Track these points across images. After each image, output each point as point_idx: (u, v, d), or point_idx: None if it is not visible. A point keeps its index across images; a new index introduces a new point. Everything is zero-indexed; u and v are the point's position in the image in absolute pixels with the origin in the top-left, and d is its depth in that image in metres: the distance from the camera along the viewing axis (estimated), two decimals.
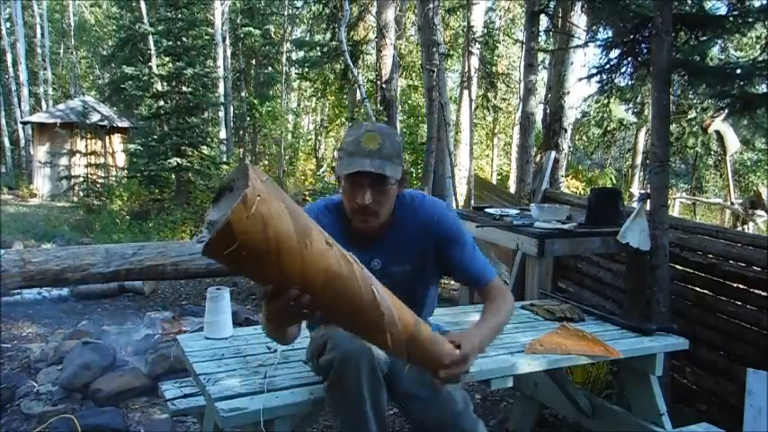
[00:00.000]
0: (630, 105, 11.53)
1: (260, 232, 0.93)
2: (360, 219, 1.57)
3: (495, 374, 1.88)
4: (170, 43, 10.93)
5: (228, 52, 16.24)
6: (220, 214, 0.95)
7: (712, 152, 11.44)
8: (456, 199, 7.45)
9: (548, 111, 6.33)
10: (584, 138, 15.73)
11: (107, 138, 14.01)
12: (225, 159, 13.14)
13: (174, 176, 10.97)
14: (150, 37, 12.90)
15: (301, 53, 15.33)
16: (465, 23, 10.68)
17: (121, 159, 14.45)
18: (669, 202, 3.95)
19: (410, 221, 1.68)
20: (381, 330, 1.17)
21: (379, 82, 10.55)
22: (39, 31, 19.81)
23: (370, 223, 1.58)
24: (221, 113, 15.14)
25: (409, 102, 12.98)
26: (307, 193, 11.82)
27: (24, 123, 17.23)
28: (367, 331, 1.20)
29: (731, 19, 3.39)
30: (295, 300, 1.08)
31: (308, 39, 16.29)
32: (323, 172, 14.84)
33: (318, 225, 1.44)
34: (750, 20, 3.31)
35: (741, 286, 2.97)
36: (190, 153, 10.80)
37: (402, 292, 1.47)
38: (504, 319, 1.64)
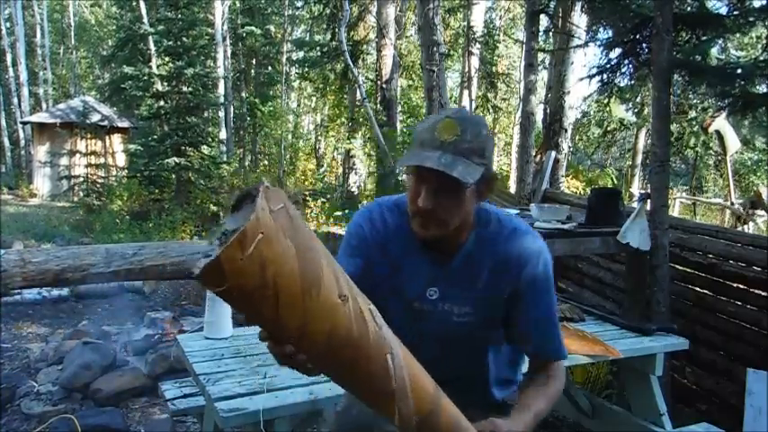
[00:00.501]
0: (630, 105, 11.52)
1: (256, 274, 0.79)
2: (417, 222, 1.23)
3: None
4: (170, 43, 10.93)
5: (228, 52, 16.23)
6: (236, 225, 0.81)
7: (712, 152, 11.44)
8: None
9: (548, 111, 6.33)
10: (584, 138, 15.73)
11: (107, 138, 14.01)
12: (225, 159, 13.14)
13: (174, 176, 10.97)
14: (150, 37, 12.89)
15: (301, 53, 15.33)
16: (465, 23, 10.68)
17: (121, 159, 14.45)
18: (669, 202, 3.95)
19: (489, 249, 1.29)
20: (389, 404, 1.01)
21: (379, 82, 10.56)
22: (39, 31, 19.81)
23: (429, 231, 1.23)
24: (221, 113, 15.13)
25: (409, 102, 12.99)
26: (307, 193, 11.82)
27: (24, 123, 17.23)
28: (372, 401, 1.05)
29: (732, 18, 3.39)
30: (290, 357, 0.93)
31: (308, 39, 16.29)
32: (323, 172, 14.84)
33: (374, 228, 1.33)
34: (751, 19, 3.31)
35: (741, 286, 2.97)
36: (190, 153, 10.80)
37: (461, 346, 1.32)
38: (550, 406, 1.30)
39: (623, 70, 4.10)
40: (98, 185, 12.50)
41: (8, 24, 18.31)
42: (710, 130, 7.76)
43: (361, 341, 0.95)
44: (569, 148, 7.28)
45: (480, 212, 1.30)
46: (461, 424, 1.10)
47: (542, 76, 8.02)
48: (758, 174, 12.32)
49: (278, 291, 0.81)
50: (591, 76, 4.52)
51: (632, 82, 4.71)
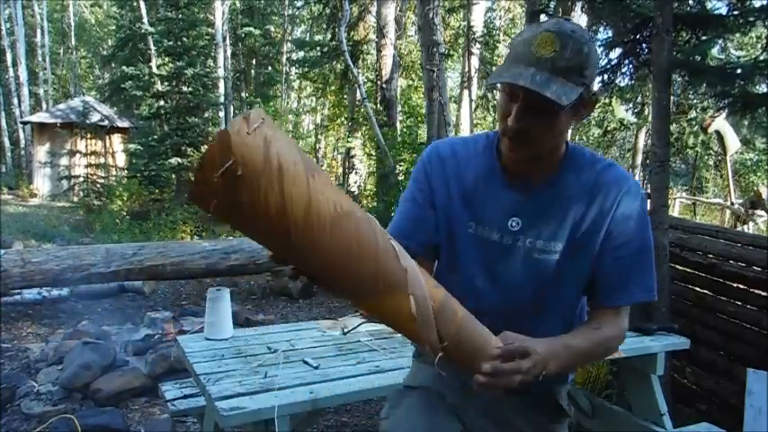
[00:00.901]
0: (630, 105, 11.52)
1: (261, 148, 0.78)
2: (506, 144, 1.12)
3: None
4: (170, 43, 10.94)
5: (228, 52, 16.23)
6: None
7: (712, 152, 11.44)
8: None
9: None
10: (584, 138, 15.74)
11: (107, 138, 14.01)
12: None
13: (174, 176, 10.97)
14: (150, 37, 12.90)
15: (301, 53, 15.33)
16: (465, 23, 10.67)
17: (121, 159, 14.45)
18: (669, 202, 3.95)
19: (583, 178, 1.17)
20: (402, 292, 0.91)
21: (379, 82, 10.56)
22: (39, 31, 19.82)
23: (519, 153, 1.12)
24: (221, 113, 15.14)
25: (409, 102, 12.97)
26: None
27: (24, 123, 17.24)
28: (384, 294, 0.91)
29: (732, 18, 3.39)
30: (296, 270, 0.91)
31: (308, 39, 16.30)
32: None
33: (441, 161, 1.23)
34: (751, 19, 3.31)
35: (741, 286, 2.97)
36: (190, 153, 10.81)
37: (542, 295, 1.19)
38: (597, 351, 1.19)
39: (623, 70, 4.10)
40: (98, 185, 12.51)
41: (8, 24, 18.31)
42: (710, 130, 7.77)
43: (366, 219, 0.91)
44: None
45: (573, 146, 1.20)
46: (477, 323, 1.03)
47: None
48: (758, 174, 12.32)
49: (282, 165, 0.80)
50: None
51: (632, 82, 4.71)
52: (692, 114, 9.86)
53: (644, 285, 1.17)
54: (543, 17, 5.84)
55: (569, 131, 1.18)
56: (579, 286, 1.20)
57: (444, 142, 1.29)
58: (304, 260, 0.88)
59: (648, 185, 3.37)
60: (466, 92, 10.79)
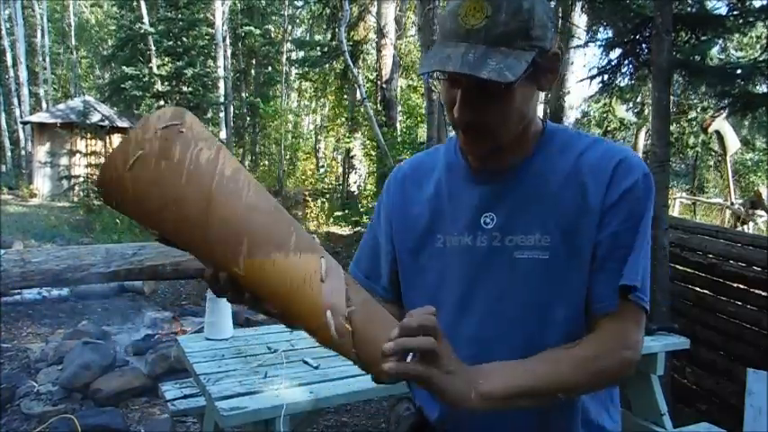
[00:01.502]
0: (630, 105, 11.53)
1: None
2: (463, 139, 0.93)
3: None
4: (170, 43, 10.96)
5: (228, 52, 16.24)
6: None
7: (712, 152, 11.44)
8: None
9: (548, 111, 6.33)
10: None
11: (107, 138, 14.01)
12: None
13: None
14: (150, 37, 12.90)
15: (301, 53, 15.33)
16: None
17: None
18: (669, 202, 3.95)
19: (566, 157, 0.94)
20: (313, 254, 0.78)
21: (379, 82, 10.56)
22: (39, 31, 19.82)
23: (477, 148, 0.93)
24: (221, 114, 15.15)
25: (409, 102, 12.97)
26: (307, 193, 11.82)
27: (24, 123, 17.24)
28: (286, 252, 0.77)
29: (731, 19, 3.40)
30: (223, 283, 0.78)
31: (308, 39, 16.30)
32: (323, 172, 14.83)
33: (404, 182, 1.07)
34: (751, 19, 3.31)
35: (741, 286, 2.97)
36: None
37: (527, 308, 0.91)
38: (575, 375, 0.86)
39: (623, 70, 4.11)
40: None
41: (8, 24, 18.33)
42: (710, 130, 7.77)
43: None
44: None
45: (551, 125, 0.99)
46: (388, 317, 0.81)
47: None
48: (758, 174, 12.32)
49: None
50: (592, 77, 4.53)
51: (632, 82, 4.71)
52: (692, 114, 9.86)
53: (630, 271, 0.88)
54: None
55: (537, 106, 0.96)
56: (582, 296, 0.90)
57: (408, 160, 1.14)
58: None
59: None
60: None
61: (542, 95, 6.66)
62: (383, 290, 1.07)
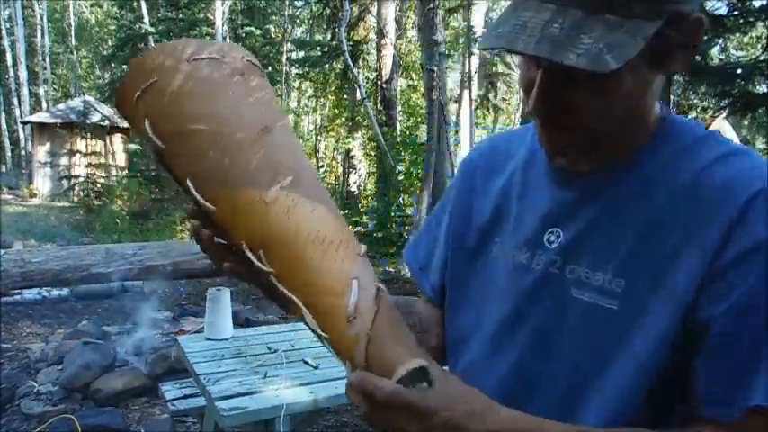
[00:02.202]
0: None
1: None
2: (541, 130, 0.69)
3: None
4: None
5: None
6: None
7: None
8: None
9: None
10: None
11: (107, 138, 14.03)
12: None
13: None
14: (151, 37, 12.90)
15: (301, 53, 15.34)
16: (465, 23, 10.68)
17: (122, 159, 14.46)
18: None
19: (678, 168, 0.64)
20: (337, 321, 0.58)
21: (379, 82, 10.56)
22: (39, 31, 19.83)
23: (557, 142, 0.67)
24: None
25: (409, 102, 12.98)
26: None
27: (24, 123, 17.25)
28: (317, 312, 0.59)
29: (732, 18, 3.40)
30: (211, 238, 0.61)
31: (308, 39, 16.31)
32: (323, 172, 14.84)
33: (479, 163, 0.85)
34: (751, 19, 3.31)
35: None
36: None
37: (572, 349, 0.66)
38: None
39: None
40: (98, 185, 12.52)
41: (8, 24, 18.33)
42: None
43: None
44: None
45: (673, 118, 0.69)
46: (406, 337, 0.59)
47: None
48: None
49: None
50: None
51: None
52: (692, 114, 9.86)
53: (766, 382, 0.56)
54: None
55: (658, 92, 0.68)
56: (647, 367, 0.61)
57: (490, 138, 0.91)
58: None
59: None
60: (466, 92, 10.81)
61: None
62: (431, 289, 0.88)
